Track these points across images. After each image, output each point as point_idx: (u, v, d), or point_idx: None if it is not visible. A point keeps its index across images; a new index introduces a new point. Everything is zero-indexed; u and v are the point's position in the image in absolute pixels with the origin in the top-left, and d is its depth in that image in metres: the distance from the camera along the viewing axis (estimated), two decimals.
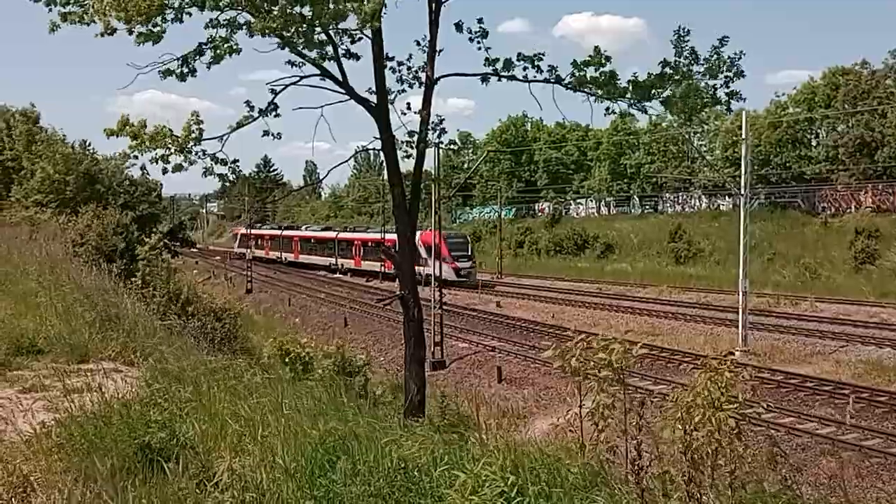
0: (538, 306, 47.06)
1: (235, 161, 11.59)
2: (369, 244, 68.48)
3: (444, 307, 37.21)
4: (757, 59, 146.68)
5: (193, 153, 11.17)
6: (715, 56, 9.96)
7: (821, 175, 64.08)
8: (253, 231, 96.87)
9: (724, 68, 9.90)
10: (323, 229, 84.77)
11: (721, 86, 10.02)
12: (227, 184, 12.21)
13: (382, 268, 63.51)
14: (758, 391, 5.11)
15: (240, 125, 11.47)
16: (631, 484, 4.34)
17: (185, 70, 10.90)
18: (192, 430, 6.03)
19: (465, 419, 15.33)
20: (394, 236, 59.46)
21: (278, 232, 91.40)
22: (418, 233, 57.34)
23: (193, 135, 10.93)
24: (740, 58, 9.76)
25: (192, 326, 14.80)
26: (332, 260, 75.36)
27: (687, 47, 10.06)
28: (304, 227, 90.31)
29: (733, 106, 10.35)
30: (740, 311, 31.76)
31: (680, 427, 4.29)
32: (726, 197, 68.82)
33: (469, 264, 60.36)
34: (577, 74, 10.46)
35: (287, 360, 11.30)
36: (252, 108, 11.53)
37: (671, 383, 23.57)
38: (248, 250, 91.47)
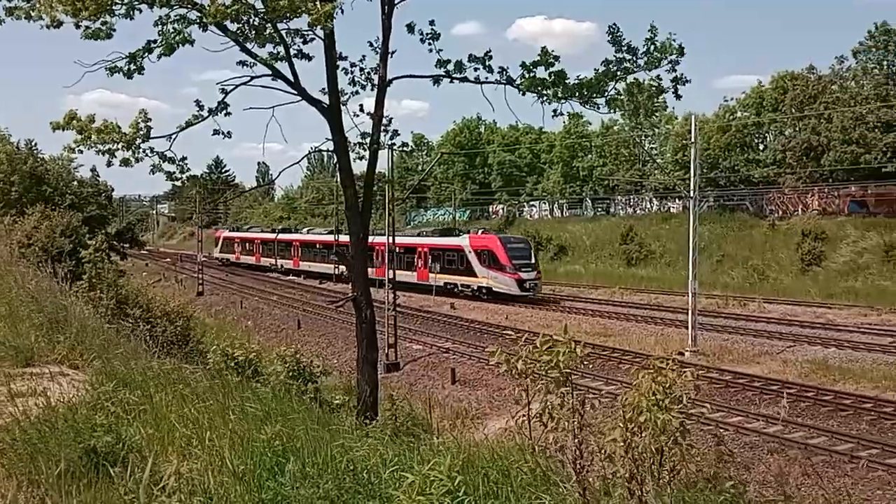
0: (492, 307, 47.20)
1: (184, 159, 11.46)
2: (402, 252, 57.11)
3: (399, 309, 37.14)
4: (706, 63, 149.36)
5: (141, 150, 11.01)
6: (651, 45, 10.12)
7: (768, 178, 65.42)
8: (239, 234, 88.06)
9: (665, 54, 10.06)
10: (330, 232, 72.11)
11: (667, 71, 10.20)
12: (177, 183, 12.06)
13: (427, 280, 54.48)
14: (700, 391, 5.20)
15: (189, 124, 11.34)
16: (573, 482, 4.39)
17: (133, 67, 10.73)
18: (139, 434, 5.95)
19: (419, 421, 15.32)
20: (441, 240, 52.73)
21: (272, 235, 79.71)
22: (466, 236, 51.85)
23: (141, 132, 10.77)
24: (674, 40, 9.94)
25: (142, 330, 14.58)
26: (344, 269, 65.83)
27: (624, 43, 10.22)
28: (304, 230, 78.92)
29: (680, 91, 10.51)
30: (690, 312, 32.21)
31: (622, 425, 4.36)
32: (676, 199, 69.92)
33: (534, 274, 49.14)
34: (526, 75, 10.53)
35: (234, 364, 11.18)
36: (202, 107, 11.41)
37: (621, 383, 23.82)
38: (231, 255, 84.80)
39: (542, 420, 5.11)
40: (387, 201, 39.11)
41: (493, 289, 48.93)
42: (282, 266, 75.37)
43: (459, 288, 51.62)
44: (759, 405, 23.83)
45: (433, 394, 28.78)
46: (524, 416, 5.48)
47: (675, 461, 4.47)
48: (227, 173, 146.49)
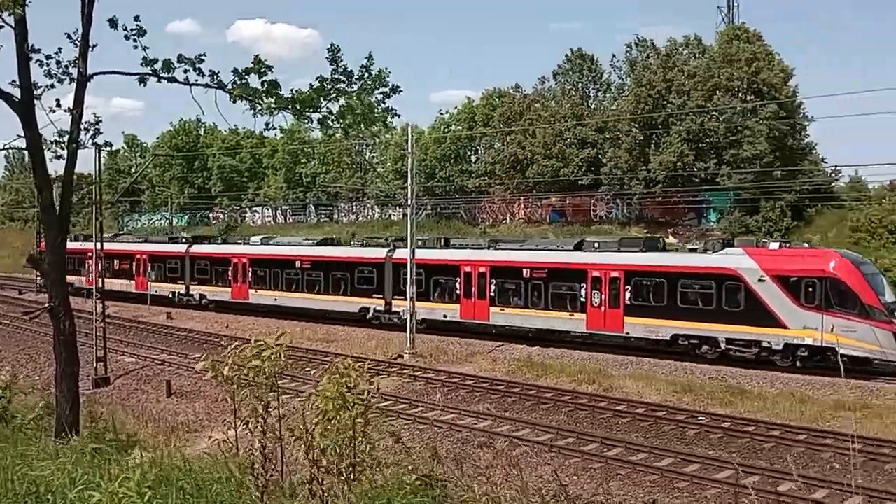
0: (211, 317, 45.80)
1: None
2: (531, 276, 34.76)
3: (109, 320, 34.85)
4: (423, 77, 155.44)
5: None
6: (366, 73, 10.37)
7: (480, 188, 69.45)
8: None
9: (378, 84, 10.34)
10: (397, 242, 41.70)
11: (379, 101, 10.46)
12: None
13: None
14: (374, 390, 5.41)
15: None
16: (255, 489, 4.39)
17: None
18: None
19: (128, 437, 14.50)
20: (656, 259, 30.67)
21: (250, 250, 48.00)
22: (741, 251, 29.50)
23: None
24: (388, 75, 10.26)
25: None
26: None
27: (341, 64, 10.37)
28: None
29: (389, 122, 10.82)
30: (409, 316, 33.30)
31: (301, 427, 4.43)
32: (397, 207, 72.04)
33: None
34: (238, 82, 10.33)
35: None
36: None
37: None
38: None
39: (249, 427, 5.05)
40: (94, 204, 36.50)
41: (841, 350, 26.25)
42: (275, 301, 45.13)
43: (730, 346, 29.53)
44: (471, 402, 25.14)
45: (147, 408, 27.43)
46: (231, 423, 5.39)
47: (363, 459, 4.62)
48: None
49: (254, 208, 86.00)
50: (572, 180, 62.06)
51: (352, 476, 4.47)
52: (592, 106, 68.46)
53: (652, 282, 31.24)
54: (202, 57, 10.47)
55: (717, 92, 55.22)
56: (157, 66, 10.44)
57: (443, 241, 41.61)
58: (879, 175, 72.27)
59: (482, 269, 36.09)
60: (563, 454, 19.54)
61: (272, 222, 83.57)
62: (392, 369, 29.57)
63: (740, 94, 55.40)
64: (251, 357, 4.95)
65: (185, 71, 10.45)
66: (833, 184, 58.43)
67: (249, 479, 4.53)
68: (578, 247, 34.77)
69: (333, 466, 4.38)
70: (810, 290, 27.44)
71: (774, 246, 30.31)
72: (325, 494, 4.25)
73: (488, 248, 38.09)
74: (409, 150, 35.01)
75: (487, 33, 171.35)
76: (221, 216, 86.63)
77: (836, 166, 61.10)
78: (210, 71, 10.41)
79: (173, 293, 50.63)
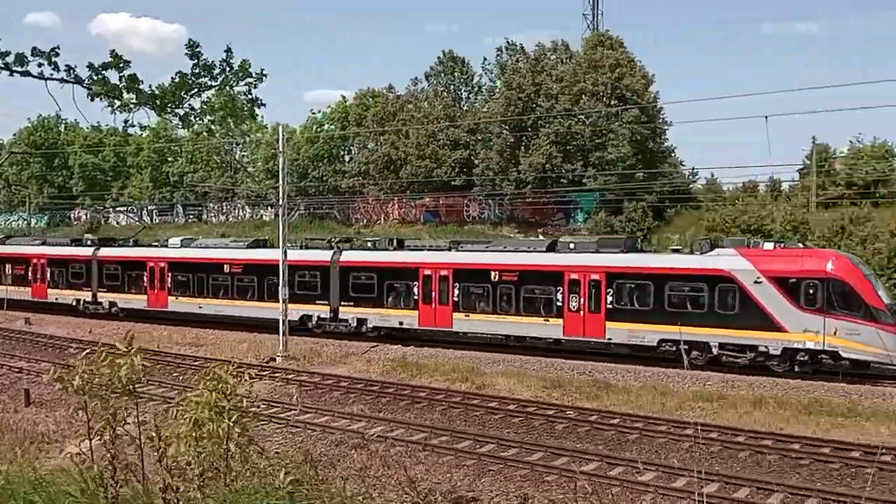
0: (74, 322, 43.83)
1: None
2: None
3: None
4: (295, 75, 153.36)
5: None
6: (227, 67, 10.19)
7: (354, 188, 69.27)
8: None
9: (241, 75, 10.17)
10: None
11: (245, 93, 10.27)
12: None
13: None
14: (250, 394, 5.33)
15: None
16: (105, 500, 4.27)
17: None
18: None
19: None
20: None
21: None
22: (734, 252, 28.29)
23: None
24: (250, 65, 10.10)
25: None
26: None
27: (202, 60, 10.13)
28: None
29: (256, 115, 10.65)
30: (281, 319, 32.83)
31: (154, 435, 4.34)
32: (268, 207, 70.97)
33: None
34: (95, 77, 9.92)
35: None
36: None
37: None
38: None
39: (103, 438, 4.88)
40: None
41: (842, 353, 26.36)
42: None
43: (723, 351, 28.13)
44: (345, 404, 25.04)
45: (3, 418, 25.97)
46: (86, 434, 5.19)
47: (232, 467, 4.53)
48: None
49: (118, 208, 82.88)
50: (445, 181, 62.72)
51: (222, 482, 4.38)
52: (464, 108, 69.37)
53: (636, 284, 29.75)
54: (57, 50, 9.97)
55: (583, 96, 56.98)
56: (9, 59, 9.92)
57: (395, 242, 38.81)
58: (733, 178, 76.39)
59: (444, 272, 33.74)
60: (437, 452, 19.66)
61: (138, 223, 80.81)
62: (265, 373, 29.09)
63: (605, 99, 57.33)
64: (102, 365, 4.77)
65: (40, 65, 9.96)
66: (691, 185, 61.38)
67: (99, 491, 4.37)
68: (552, 247, 33.18)
69: (192, 474, 4.28)
70: (811, 291, 26.54)
71: (769, 246, 29.17)
72: (181, 502, 4.15)
73: (450, 249, 35.87)
74: (280, 150, 34.55)
75: (359, 32, 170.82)
76: (84, 216, 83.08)
77: (693, 168, 64.38)
78: (66, 65, 9.93)
79: (78, 301, 46.36)
